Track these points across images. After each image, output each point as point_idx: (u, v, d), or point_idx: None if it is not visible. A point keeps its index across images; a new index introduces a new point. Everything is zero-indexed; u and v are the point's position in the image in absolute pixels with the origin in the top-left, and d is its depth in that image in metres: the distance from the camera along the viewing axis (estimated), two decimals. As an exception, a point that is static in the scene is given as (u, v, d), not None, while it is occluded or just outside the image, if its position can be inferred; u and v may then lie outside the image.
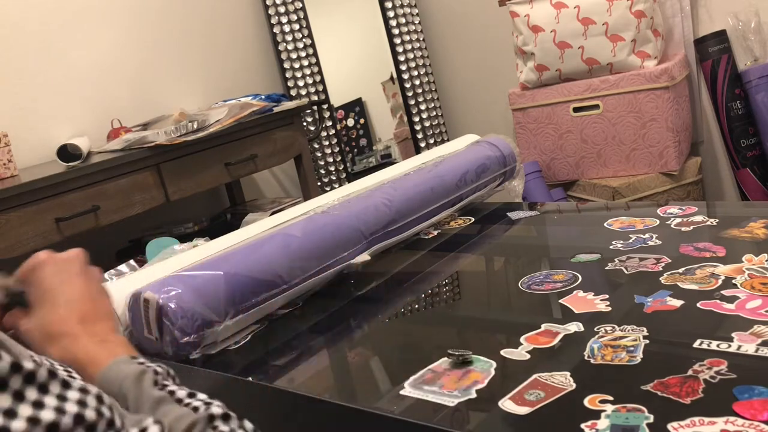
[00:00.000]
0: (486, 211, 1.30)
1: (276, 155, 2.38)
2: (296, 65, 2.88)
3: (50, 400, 0.43)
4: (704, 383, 0.60)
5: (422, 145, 3.09)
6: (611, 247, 0.98)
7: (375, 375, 0.82)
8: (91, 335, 0.63)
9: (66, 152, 1.95)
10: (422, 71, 3.09)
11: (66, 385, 0.45)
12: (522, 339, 0.75)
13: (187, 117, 2.16)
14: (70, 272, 0.68)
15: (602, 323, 0.75)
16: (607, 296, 0.83)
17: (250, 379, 0.80)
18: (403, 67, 3.05)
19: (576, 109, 2.50)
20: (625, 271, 0.89)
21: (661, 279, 0.84)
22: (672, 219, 1.06)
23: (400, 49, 3.04)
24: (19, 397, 0.42)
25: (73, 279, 0.68)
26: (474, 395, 0.66)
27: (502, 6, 2.89)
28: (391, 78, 3.09)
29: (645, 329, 0.72)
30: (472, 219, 1.26)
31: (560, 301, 0.84)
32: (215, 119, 2.15)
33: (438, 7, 3.16)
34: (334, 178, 2.94)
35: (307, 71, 2.90)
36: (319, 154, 2.92)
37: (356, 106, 3.05)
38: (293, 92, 2.89)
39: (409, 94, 3.07)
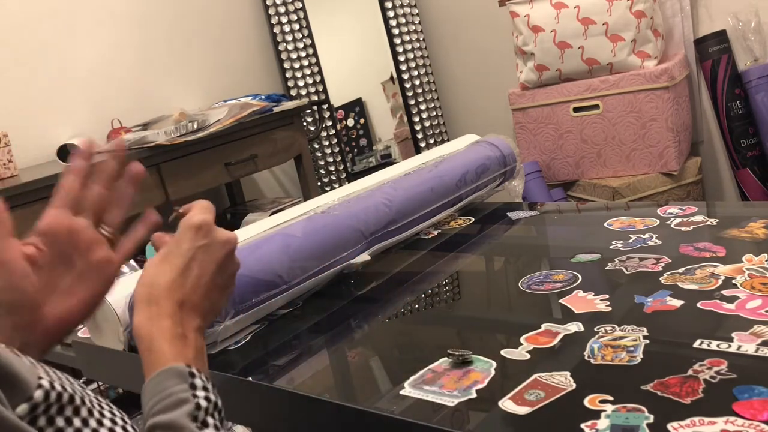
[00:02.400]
0: (486, 211, 1.30)
1: (276, 155, 2.38)
2: (296, 65, 2.88)
3: None
4: (704, 383, 0.60)
5: (422, 145, 3.09)
6: (611, 247, 0.98)
7: (375, 375, 0.82)
8: (176, 322, 0.61)
9: (66, 152, 1.95)
10: (422, 71, 3.09)
11: None
12: (522, 339, 0.75)
13: (187, 117, 2.17)
14: (213, 255, 0.66)
15: (602, 323, 0.75)
16: (607, 296, 0.83)
17: (250, 379, 0.80)
18: (403, 67, 3.05)
19: (576, 109, 2.50)
20: (625, 271, 0.89)
21: (661, 279, 0.84)
22: (672, 219, 1.06)
23: (400, 49, 3.04)
24: None
25: (207, 262, 0.65)
26: (474, 395, 0.66)
27: (502, 6, 2.89)
28: (391, 78, 3.09)
29: (645, 329, 0.72)
30: (472, 219, 1.26)
31: (560, 301, 0.84)
32: (215, 119, 2.16)
33: (438, 7, 3.16)
34: (334, 178, 2.94)
35: (307, 71, 2.90)
36: (319, 154, 2.92)
37: (356, 106, 3.05)
38: (293, 92, 2.89)
39: (409, 94, 3.07)
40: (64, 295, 0.62)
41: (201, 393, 0.56)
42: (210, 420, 0.56)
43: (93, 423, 0.50)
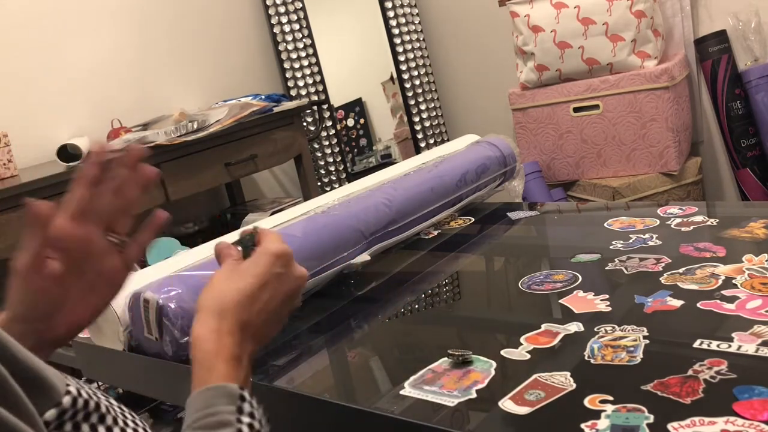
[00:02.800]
0: (486, 211, 1.30)
1: (276, 155, 2.38)
2: (296, 65, 2.88)
3: None
4: (704, 383, 0.60)
5: (422, 145, 3.09)
6: (611, 247, 0.98)
7: (375, 375, 0.82)
8: (236, 343, 0.60)
9: (66, 152, 1.95)
10: (422, 71, 3.09)
11: None
12: (522, 339, 0.75)
13: (187, 117, 2.17)
14: (284, 286, 0.65)
15: (602, 323, 0.75)
16: (607, 296, 0.83)
17: (250, 379, 0.80)
18: (403, 67, 3.05)
19: (576, 109, 2.50)
20: (625, 271, 0.89)
21: (661, 279, 0.84)
22: (672, 219, 1.06)
23: (400, 49, 3.04)
24: None
25: (278, 292, 0.64)
26: (474, 395, 0.66)
27: (502, 6, 2.89)
28: (391, 78, 3.09)
29: (645, 329, 0.72)
30: (472, 219, 1.26)
31: (560, 301, 0.84)
32: (215, 119, 2.16)
33: (438, 7, 3.16)
34: (334, 178, 2.94)
35: (307, 71, 2.90)
36: (319, 154, 2.92)
37: (356, 106, 3.05)
38: (293, 92, 2.89)
39: (409, 94, 3.07)
40: (74, 304, 0.63)
41: (246, 419, 0.55)
42: None
43: (117, 431, 0.50)
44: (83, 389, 0.49)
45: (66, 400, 0.47)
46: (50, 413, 0.46)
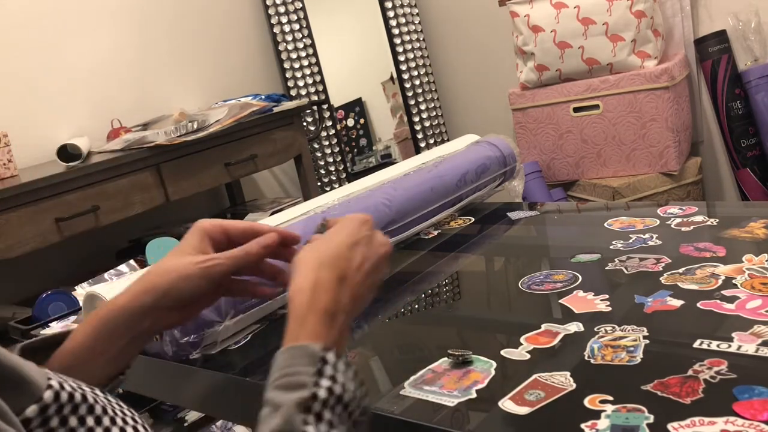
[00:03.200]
0: (486, 211, 1.30)
1: (276, 155, 2.38)
2: (296, 65, 2.88)
3: None
4: (704, 383, 0.60)
5: (422, 145, 3.09)
6: (611, 247, 0.98)
7: (375, 375, 0.82)
8: (333, 299, 0.59)
9: (66, 152, 1.95)
10: (422, 71, 3.09)
11: None
12: (522, 339, 0.75)
13: (187, 117, 2.17)
14: (373, 249, 0.65)
15: (602, 323, 0.75)
16: (607, 296, 0.83)
17: (250, 379, 0.80)
18: (403, 67, 3.05)
19: (576, 109, 2.50)
20: (625, 271, 0.89)
21: (661, 279, 0.84)
22: (672, 219, 1.06)
23: (400, 49, 3.04)
24: None
25: (369, 252, 0.65)
26: (474, 395, 0.66)
27: (502, 6, 2.89)
28: (391, 78, 3.09)
29: (645, 329, 0.72)
30: (472, 219, 1.26)
31: (560, 301, 0.84)
32: (215, 119, 2.16)
33: (438, 7, 3.16)
34: (334, 178, 2.94)
35: (307, 71, 2.90)
36: (319, 154, 2.92)
37: (356, 106, 3.05)
38: (293, 92, 2.89)
39: (409, 94, 3.07)
40: (190, 311, 0.71)
41: (325, 382, 0.53)
42: (327, 414, 0.51)
43: (106, 421, 0.50)
44: (66, 383, 0.49)
45: (47, 395, 0.47)
46: (31, 409, 0.46)
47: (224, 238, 0.71)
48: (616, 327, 0.74)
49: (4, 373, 0.44)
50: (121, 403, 0.54)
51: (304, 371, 0.53)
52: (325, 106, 2.84)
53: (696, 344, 0.67)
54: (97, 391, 0.52)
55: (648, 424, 0.56)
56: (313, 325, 0.57)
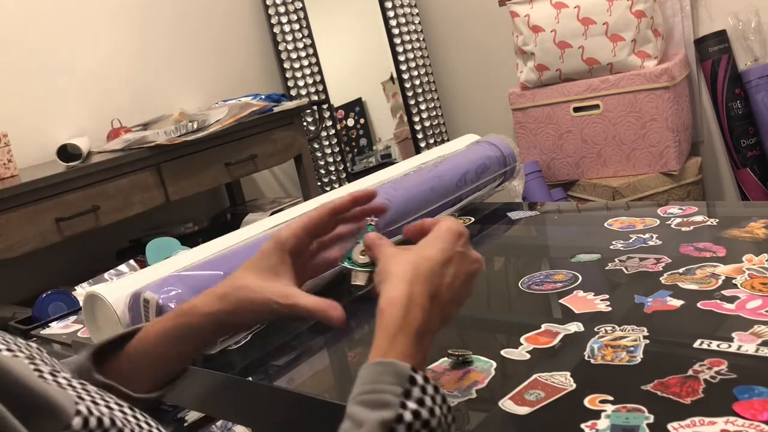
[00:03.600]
0: (486, 211, 1.30)
1: (276, 155, 2.38)
2: (296, 65, 2.88)
3: None
4: (704, 383, 0.60)
5: (422, 145, 3.09)
6: (611, 247, 0.98)
7: (375, 375, 0.81)
8: (425, 318, 0.56)
9: (66, 152, 1.95)
10: (422, 71, 3.10)
11: None
12: (522, 339, 0.75)
13: (187, 117, 2.17)
14: (465, 266, 0.61)
15: (602, 323, 0.75)
16: (607, 296, 0.83)
17: (250, 379, 0.80)
18: (403, 67, 3.05)
19: (576, 109, 2.50)
20: (625, 271, 0.89)
21: (661, 279, 0.84)
22: (672, 219, 1.06)
23: (400, 49, 3.04)
24: None
25: (460, 269, 0.60)
26: (474, 395, 0.66)
27: (502, 6, 2.89)
28: (391, 78, 3.09)
29: (645, 329, 0.72)
30: (472, 219, 1.26)
31: (560, 301, 0.84)
32: (215, 119, 2.16)
33: (438, 7, 3.16)
34: (334, 178, 2.94)
35: (307, 71, 2.90)
36: (319, 154, 2.92)
37: (356, 106, 3.05)
38: (293, 92, 2.89)
39: (409, 94, 3.07)
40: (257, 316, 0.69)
41: (412, 405, 0.50)
42: None
43: None
44: (96, 407, 0.47)
45: (76, 422, 0.45)
46: None
47: (306, 238, 0.69)
48: (616, 327, 0.74)
49: (32, 399, 0.43)
50: (151, 422, 0.52)
51: (390, 390, 0.50)
52: (325, 106, 2.84)
53: (696, 344, 0.67)
54: (127, 410, 0.51)
55: (648, 424, 0.56)
56: (403, 344, 0.54)
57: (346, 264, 0.69)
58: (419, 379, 0.52)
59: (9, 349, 0.50)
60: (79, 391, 0.49)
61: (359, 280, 0.69)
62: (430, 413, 0.50)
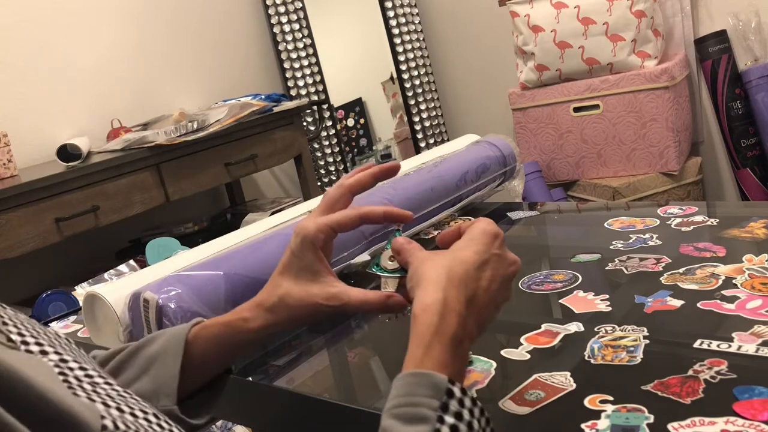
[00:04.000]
0: (486, 211, 1.30)
1: (276, 155, 2.38)
2: (296, 65, 2.88)
3: None
4: (704, 383, 0.60)
5: (422, 145, 3.09)
6: (611, 247, 0.98)
7: (375, 375, 0.81)
8: (461, 324, 0.53)
9: (66, 152, 1.95)
10: (422, 71, 3.10)
11: None
12: (522, 339, 0.75)
13: (187, 117, 2.17)
14: (502, 268, 0.58)
15: (602, 323, 0.75)
16: (608, 296, 0.83)
17: (250, 379, 0.80)
18: (403, 67, 3.05)
19: (576, 109, 2.50)
20: (625, 271, 0.89)
21: (661, 279, 0.84)
22: (672, 219, 1.06)
23: (400, 49, 3.04)
24: None
25: (498, 271, 0.57)
26: (474, 395, 0.66)
27: (502, 6, 2.89)
28: (391, 78, 3.09)
29: (645, 329, 0.72)
30: (472, 219, 1.26)
31: (560, 301, 0.84)
32: (215, 119, 2.16)
33: (438, 7, 3.16)
34: (334, 178, 2.94)
35: (307, 71, 2.90)
36: (319, 154, 2.92)
37: (356, 106, 3.05)
38: (293, 92, 2.89)
39: (409, 94, 3.07)
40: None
41: (450, 419, 0.48)
42: None
43: None
44: (122, 416, 0.46)
45: None
46: None
47: (333, 233, 0.67)
48: (616, 327, 0.74)
49: (58, 415, 0.41)
50: (175, 430, 0.50)
51: (427, 403, 0.48)
52: (325, 106, 2.84)
53: (696, 344, 0.67)
54: (152, 417, 0.49)
55: (648, 424, 0.56)
56: (439, 353, 0.52)
57: (374, 270, 0.67)
58: (456, 391, 0.50)
59: (38, 343, 0.48)
60: (104, 396, 0.46)
61: (389, 286, 0.67)
62: (469, 427, 0.49)
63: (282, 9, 2.87)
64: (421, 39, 3.10)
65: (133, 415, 0.47)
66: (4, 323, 0.47)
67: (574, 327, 0.76)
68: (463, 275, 0.55)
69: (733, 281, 0.80)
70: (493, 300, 0.57)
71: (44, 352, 0.47)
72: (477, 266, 0.57)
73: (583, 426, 0.57)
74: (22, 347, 0.46)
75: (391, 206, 0.70)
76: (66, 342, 0.52)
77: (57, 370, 0.46)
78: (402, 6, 3.05)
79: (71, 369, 0.47)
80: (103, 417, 0.44)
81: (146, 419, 0.48)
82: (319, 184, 2.85)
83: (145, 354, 0.68)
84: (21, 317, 0.50)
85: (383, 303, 0.63)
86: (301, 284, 0.65)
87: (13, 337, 0.46)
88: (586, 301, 0.83)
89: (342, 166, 2.96)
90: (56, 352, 0.48)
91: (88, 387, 0.46)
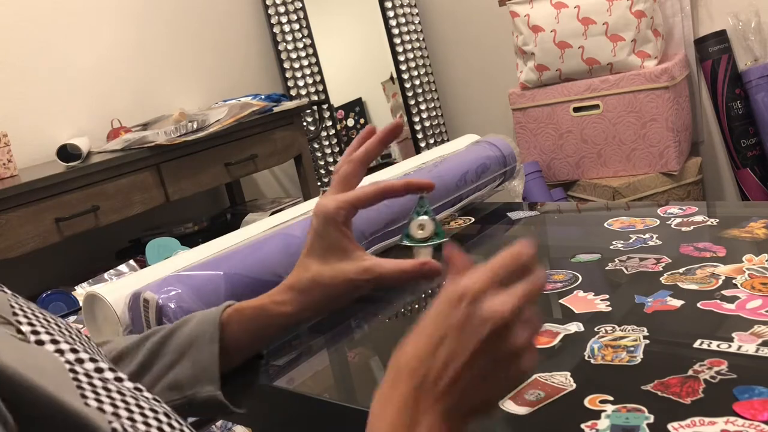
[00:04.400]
0: (486, 211, 1.30)
1: (276, 155, 2.38)
2: (296, 65, 2.88)
3: None
4: (704, 383, 0.60)
5: (422, 145, 3.09)
6: (611, 247, 0.98)
7: (375, 375, 0.82)
8: (404, 411, 0.46)
9: (66, 152, 1.95)
10: (422, 71, 3.09)
11: None
12: (522, 339, 0.75)
13: (187, 117, 2.17)
14: (470, 335, 0.45)
15: (602, 323, 0.75)
16: (608, 296, 0.83)
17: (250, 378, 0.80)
18: (403, 67, 3.05)
19: (576, 109, 2.50)
20: (625, 271, 0.89)
21: (661, 279, 0.84)
22: (672, 219, 1.06)
23: (400, 49, 3.04)
24: None
25: (462, 342, 0.45)
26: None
27: (502, 6, 2.89)
28: (391, 78, 3.09)
29: (645, 329, 0.72)
30: (472, 219, 1.26)
31: (560, 301, 0.84)
32: (215, 119, 2.16)
33: (438, 7, 3.16)
34: (334, 178, 2.94)
35: (307, 71, 2.90)
36: (319, 154, 2.92)
37: (356, 106, 3.05)
38: (293, 92, 2.89)
39: (409, 94, 3.07)
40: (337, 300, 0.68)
41: None
42: None
43: None
44: (133, 426, 0.44)
45: None
46: None
47: (353, 211, 0.66)
48: (616, 327, 0.74)
49: (69, 421, 0.40)
50: (180, 419, 0.49)
51: None
52: (325, 106, 2.84)
53: (696, 344, 0.67)
54: (162, 417, 0.47)
55: (648, 424, 0.56)
56: None
57: (405, 242, 0.66)
58: None
59: (49, 333, 0.46)
60: (114, 395, 0.45)
61: (422, 255, 0.65)
62: None
63: (282, 9, 2.87)
64: (421, 39, 3.10)
65: (143, 415, 0.45)
66: (15, 313, 0.46)
67: (574, 327, 0.76)
68: (409, 362, 0.47)
69: (733, 281, 0.80)
70: (467, 376, 0.46)
71: (55, 342, 0.45)
72: (430, 347, 0.47)
73: (583, 426, 0.57)
74: (32, 337, 0.45)
75: (410, 179, 0.68)
76: (77, 333, 0.51)
77: (68, 366, 0.44)
78: (402, 6, 3.05)
79: (81, 361, 0.45)
80: (111, 422, 0.42)
81: (156, 419, 0.46)
82: (319, 184, 2.85)
83: (179, 339, 0.66)
84: (33, 306, 0.49)
85: (419, 270, 0.62)
86: (330, 263, 0.64)
87: (24, 328, 0.45)
88: (586, 301, 0.83)
89: (342, 166, 2.96)
90: (67, 343, 0.46)
91: (98, 384, 0.45)
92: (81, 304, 1.00)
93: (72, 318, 1.13)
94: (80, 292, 1.27)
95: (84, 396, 0.43)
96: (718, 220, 1.03)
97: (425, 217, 0.65)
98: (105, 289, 0.91)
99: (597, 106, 2.47)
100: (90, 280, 1.31)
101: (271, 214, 1.30)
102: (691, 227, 1.01)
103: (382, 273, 0.63)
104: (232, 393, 0.68)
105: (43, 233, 1.77)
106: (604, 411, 0.59)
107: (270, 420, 0.81)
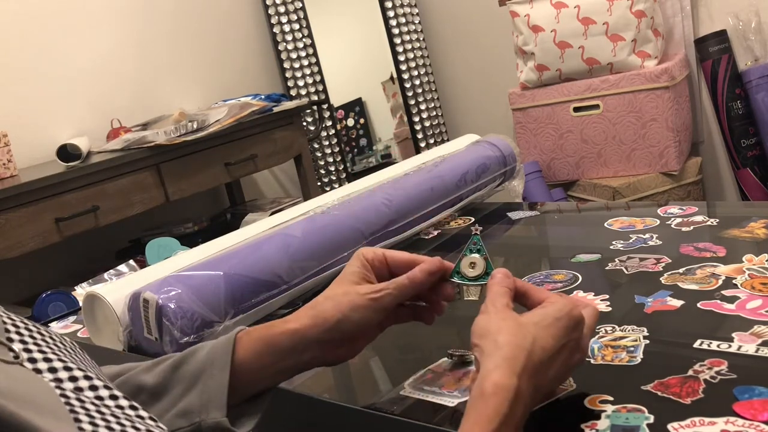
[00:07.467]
0: (486, 211, 1.30)
1: (276, 155, 2.38)
2: (296, 65, 2.88)
3: None
4: (704, 383, 0.60)
5: (422, 145, 3.09)
6: (611, 247, 0.98)
7: (375, 375, 0.82)
8: (523, 414, 0.53)
9: (66, 152, 1.95)
10: (422, 71, 3.09)
11: None
12: (522, 339, 0.75)
13: (186, 117, 2.17)
14: (572, 358, 0.59)
15: (602, 323, 0.75)
16: (608, 296, 0.83)
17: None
18: (403, 67, 3.05)
19: (576, 109, 2.50)
20: (625, 271, 0.89)
21: (661, 279, 0.84)
22: (672, 219, 1.06)
23: (400, 49, 3.04)
24: None
25: (568, 364, 0.59)
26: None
27: (502, 6, 2.89)
28: (391, 78, 3.09)
29: (645, 329, 0.72)
30: (472, 219, 1.26)
31: (560, 301, 0.84)
32: (215, 119, 2.16)
33: (438, 7, 3.16)
34: (334, 178, 2.94)
35: (307, 71, 2.90)
36: (319, 154, 2.92)
37: (356, 106, 3.05)
38: (293, 92, 2.89)
39: (409, 94, 3.07)
40: (361, 340, 0.67)
41: None
42: None
43: None
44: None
45: None
46: None
47: (385, 268, 0.68)
48: (616, 327, 0.74)
49: None
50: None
51: None
52: (325, 106, 2.84)
53: (696, 344, 0.67)
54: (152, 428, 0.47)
55: (648, 425, 0.56)
56: None
57: (455, 279, 0.66)
58: None
59: (46, 359, 0.45)
60: (108, 418, 0.44)
61: (472, 294, 0.66)
62: None
63: (282, 9, 2.87)
64: (421, 39, 3.10)
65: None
66: (7, 330, 0.45)
67: (574, 327, 0.76)
68: (538, 365, 0.55)
69: (733, 281, 0.80)
70: (552, 386, 0.59)
71: (48, 360, 0.45)
72: (552, 355, 0.56)
73: (583, 426, 0.57)
74: (25, 355, 0.44)
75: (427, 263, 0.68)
76: (71, 346, 0.50)
77: (59, 392, 0.43)
78: (402, 6, 3.05)
79: (75, 379, 0.45)
80: None
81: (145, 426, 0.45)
82: (319, 184, 2.85)
83: (190, 368, 0.65)
84: (26, 321, 0.48)
85: (437, 266, 0.66)
86: (346, 285, 0.65)
87: (15, 346, 0.44)
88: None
89: (342, 166, 2.96)
90: (61, 360, 0.45)
91: (92, 408, 0.44)
92: (81, 304, 1.00)
93: (72, 318, 1.14)
94: (80, 292, 1.27)
95: (78, 420, 0.42)
96: (718, 220, 1.02)
97: (477, 255, 0.66)
98: (105, 289, 0.91)
99: (597, 106, 2.47)
100: (90, 280, 1.31)
101: (271, 214, 1.30)
102: (691, 227, 1.01)
103: (387, 288, 0.64)
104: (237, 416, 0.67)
105: (43, 233, 1.77)
106: (604, 411, 0.59)
107: (270, 420, 0.81)
